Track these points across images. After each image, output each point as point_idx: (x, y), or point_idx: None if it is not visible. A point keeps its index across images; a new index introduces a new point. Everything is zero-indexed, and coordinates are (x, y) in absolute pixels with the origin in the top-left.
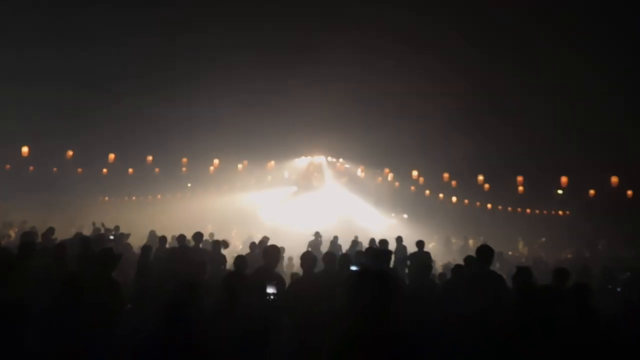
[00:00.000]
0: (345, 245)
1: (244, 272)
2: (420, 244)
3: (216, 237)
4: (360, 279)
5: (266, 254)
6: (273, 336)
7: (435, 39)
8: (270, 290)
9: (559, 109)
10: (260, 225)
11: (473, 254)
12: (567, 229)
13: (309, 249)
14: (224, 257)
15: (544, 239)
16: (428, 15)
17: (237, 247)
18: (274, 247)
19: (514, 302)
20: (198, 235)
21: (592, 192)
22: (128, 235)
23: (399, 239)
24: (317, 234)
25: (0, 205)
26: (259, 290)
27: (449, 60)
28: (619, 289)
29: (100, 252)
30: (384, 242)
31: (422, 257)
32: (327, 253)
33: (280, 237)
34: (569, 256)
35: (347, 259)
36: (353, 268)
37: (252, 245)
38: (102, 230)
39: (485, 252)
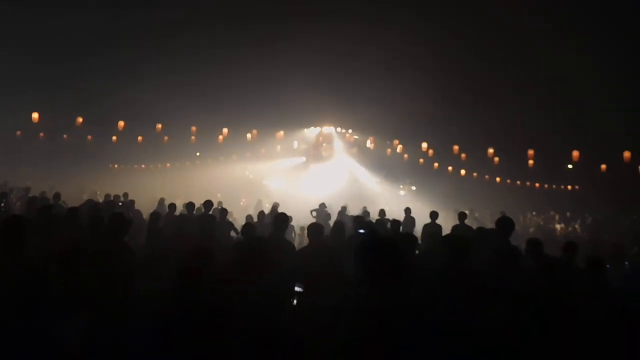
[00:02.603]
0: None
1: (254, 240)
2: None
3: (224, 206)
4: (372, 246)
5: (275, 221)
6: (286, 299)
7: (444, 9)
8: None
9: (573, 83)
10: (269, 194)
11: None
12: (576, 203)
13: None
14: (231, 224)
15: (552, 212)
16: None
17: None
18: (283, 214)
19: (533, 275)
20: (208, 203)
21: (603, 167)
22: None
23: (407, 210)
24: (322, 205)
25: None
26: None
27: (457, 32)
28: (626, 262)
29: (111, 217)
30: (382, 212)
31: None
32: (337, 222)
33: (289, 207)
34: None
35: (358, 221)
36: (361, 231)
37: (261, 214)
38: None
39: (506, 225)
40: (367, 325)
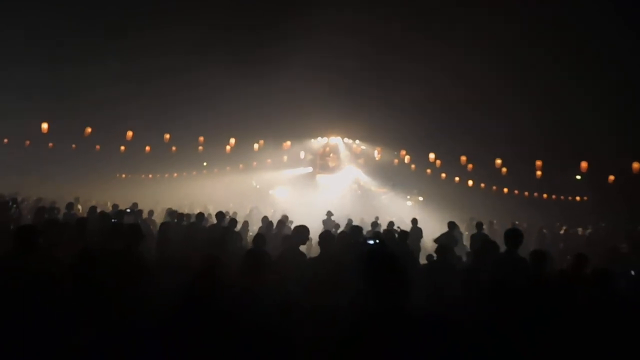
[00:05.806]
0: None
1: (264, 250)
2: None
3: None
4: (371, 258)
5: (297, 233)
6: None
7: (452, 25)
8: None
9: (581, 93)
10: (276, 204)
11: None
12: (584, 214)
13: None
14: (239, 235)
15: (558, 224)
16: None
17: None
18: (303, 227)
19: (539, 286)
20: (220, 215)
21: (611, 177)
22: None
23: (414, 221)
24: (330, 213)
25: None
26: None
27: (465, 42)
28: (632, 272)
29: (129, 227)
30: (391, 224)
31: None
32: (342, 232)
33: (296, 217)
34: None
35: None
36: (370, 242)
37: (270, 225)
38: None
39: (514, 236)
40: (365, 327)
